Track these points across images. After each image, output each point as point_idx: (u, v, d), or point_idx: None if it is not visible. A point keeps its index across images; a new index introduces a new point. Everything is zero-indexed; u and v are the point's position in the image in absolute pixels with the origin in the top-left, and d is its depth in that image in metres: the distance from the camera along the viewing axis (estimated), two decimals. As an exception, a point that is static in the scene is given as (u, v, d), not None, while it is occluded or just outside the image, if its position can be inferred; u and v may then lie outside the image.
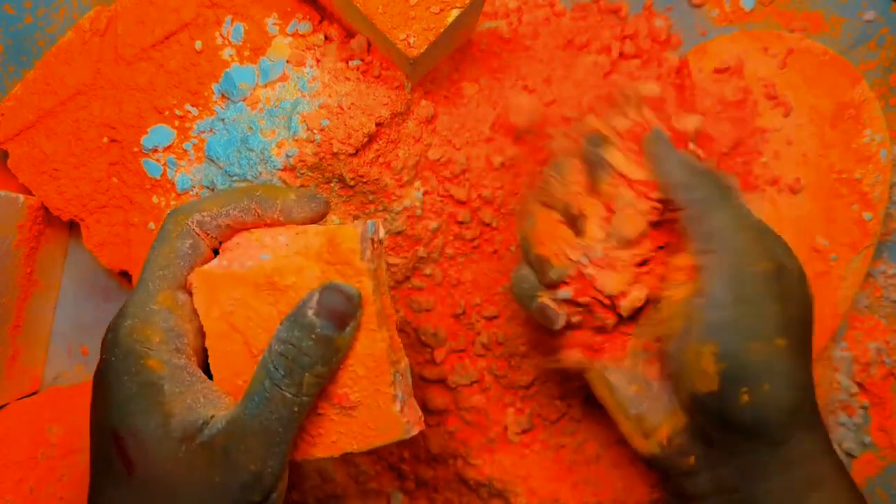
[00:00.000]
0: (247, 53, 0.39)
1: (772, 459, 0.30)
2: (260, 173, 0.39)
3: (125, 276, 0.42)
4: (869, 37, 0.43)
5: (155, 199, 0.41)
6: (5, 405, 0.42)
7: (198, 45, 0.39)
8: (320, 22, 0.40)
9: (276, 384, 0.28)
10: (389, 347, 0.30)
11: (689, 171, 0.32)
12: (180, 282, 0.30)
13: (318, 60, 0.39)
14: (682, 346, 0.31)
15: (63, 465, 0.40)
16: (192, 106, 0.40)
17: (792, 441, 0.30)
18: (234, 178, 0.39)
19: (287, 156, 0.38)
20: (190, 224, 0.31)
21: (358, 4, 0.35)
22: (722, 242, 0.31)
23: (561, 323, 0.34)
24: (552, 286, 0.34)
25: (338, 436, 0.30)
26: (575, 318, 0.34)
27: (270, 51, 0.39)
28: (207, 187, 0.40)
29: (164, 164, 0.40)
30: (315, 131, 0.38)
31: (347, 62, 0.39)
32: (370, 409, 0.30)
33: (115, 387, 0.28)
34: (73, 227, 0.45)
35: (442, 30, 0.35)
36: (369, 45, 0.39)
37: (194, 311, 0.30)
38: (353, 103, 0.38)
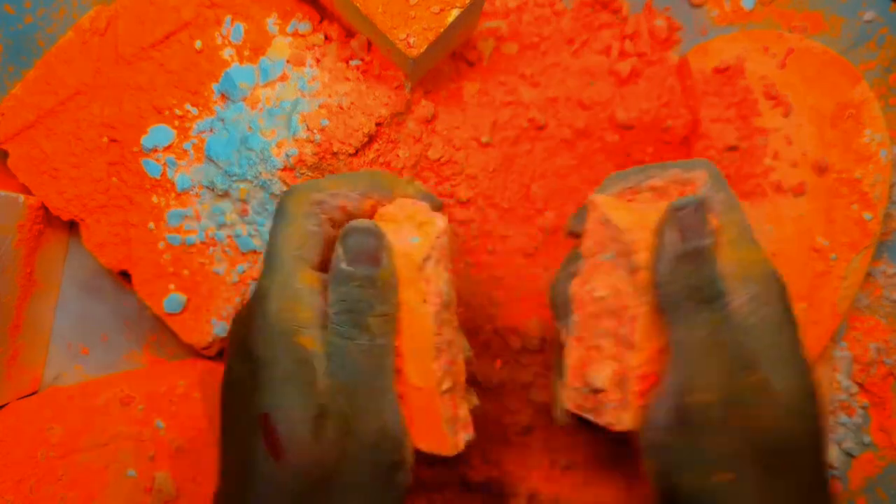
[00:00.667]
0: (247, 53, 0.39)
1: None
2: (260, 173, 0.39)
3: (125, 275, 0.42)
4: (869, 37, 0.43)
5: (155, 199, 0.41)
6: (5, 405, 0.42)
7: (198, 44, 0.39)
8: (320, 22, 0.40)
9: (347, 337, 0.27)
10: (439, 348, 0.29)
11: (669, 265, 0.28)
12: (314, 261, 0.30)
13: (318, 60, 0.39)
14: (641, 452, 0.30)
15: (63, 465, 0.40)
16: (192, 106, 0.40)
17: None
18: (234, 178, 0.39)
19: (287, 155, 0.38)
20: (311, 204, 0.30)
21: (358, 4, 0.35)
22: (676, 358, 0.28)
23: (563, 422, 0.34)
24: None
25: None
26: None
27: (270, 51, 0.39)
28: (207, 187, 0.40)
29: (164, 164, 0.40)
30: (315, 131, 0.38)
31: (347, 62, 0.39)
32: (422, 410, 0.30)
33: (267, 368, 0.27)
34: (73, 227, 0.45)
35: (442, 30, 0.35)
36: (369, 45, 0.39)
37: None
38: (353, 103, 0.38)
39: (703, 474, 0.27)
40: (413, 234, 0.30)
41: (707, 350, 0.27)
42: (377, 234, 0.28)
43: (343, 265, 0.28)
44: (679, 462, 0.28)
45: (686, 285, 0.28)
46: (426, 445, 0.30)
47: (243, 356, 0.28)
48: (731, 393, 0.27)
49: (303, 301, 0.28)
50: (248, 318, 0.29)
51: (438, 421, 0.29)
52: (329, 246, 0.30)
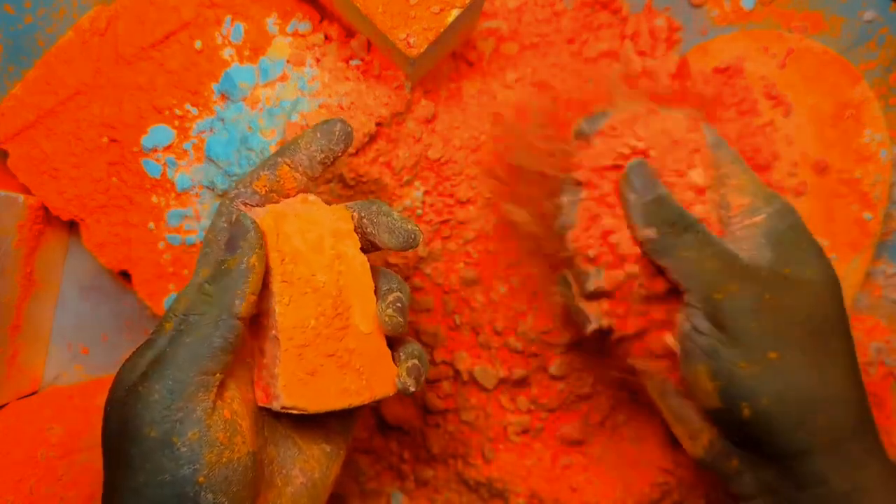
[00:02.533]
0: (247, 53, 0.39)
1: (803, 469, 0.30)
2: (260, 173, 0.39)
3: (125, 275, 0.42)
4: (869, 37, 0.43)
5: (155, 199, 0.41)
6: (5, 405, 0.42)
7: (198, 44, 0.39)
8: (320, 22, 0.40)
9: (180, 308, 0.29)
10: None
11: (642, 216, 0.32)
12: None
13: (318, 60, 0.39)
14: (686, 367, 0.32)
15: (63, 465, 0.40)
16: (192, 106, 0.40)
17: (820, 452, 0.30)
18: (234, 178, 0.39)
19: (287, 156, 0.38)
20: (228, 202, 0.32)
21: (358, 4, 0.35)
22: (688, 280, 0.32)
23: (593, 326, 0.34)
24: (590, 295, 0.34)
25: (337, 388, 0.31)
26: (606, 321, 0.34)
27: (270, 50, 0.39)
28: (207, 187, 0.40)
29: (164, 164, 0.40)
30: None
31: (347, 62, 0.39)
32: (367, 359, 0.31)
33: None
34: (73, 227, 0.45)
35: (442, 30, 0.35)
36: (369, 44, 0.39)
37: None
38: (353, 103, 0.38)
39: (756, 357, 0.30)
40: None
41: (710, 256, 0.31)
42: (246, 228, 0.30)
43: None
44: (732, 355, 0.30)
45: (661, 224, 0.32)
46: (380, 391, 0.31)
47: None
48: (756, 283, 0.31)
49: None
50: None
51: (389, 358, 0.32)
52: None
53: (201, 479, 0.27)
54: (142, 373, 0.28)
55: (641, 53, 0.42)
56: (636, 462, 0.44)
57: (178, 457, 0.27)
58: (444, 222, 0.42)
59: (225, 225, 0.32)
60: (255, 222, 0.30)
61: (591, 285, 0.33)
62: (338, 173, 0.39)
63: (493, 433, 0.44)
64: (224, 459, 0.28)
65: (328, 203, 0.33)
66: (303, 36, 0.40)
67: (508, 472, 0.43)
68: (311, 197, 0.33)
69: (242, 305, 0.29)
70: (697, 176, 0.33)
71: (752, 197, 0.33)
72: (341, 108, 0.38)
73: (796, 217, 0.33)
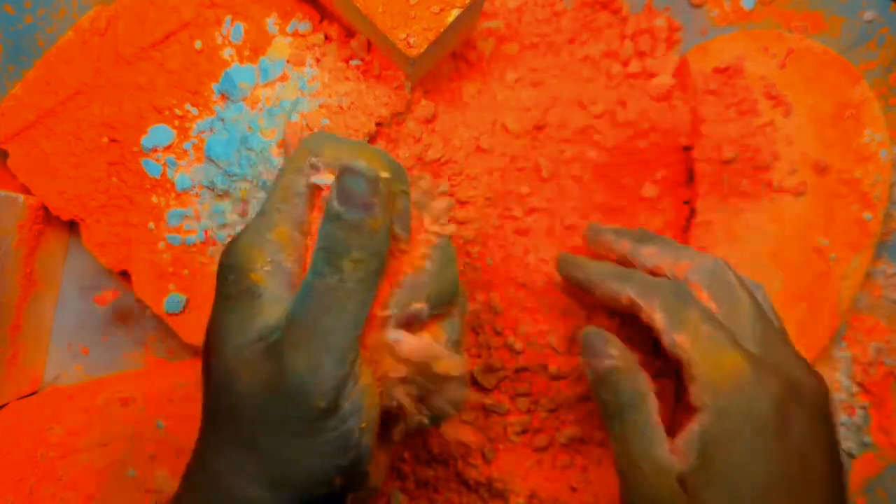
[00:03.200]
0: (247, 53, 0.39)
1: None
2: (260, 173, 0.39)
3: (125, 275, 0.42)
4: (869, 37, 0.43)
5: (155, 199, 0.41)
6: (5, 405, 0.42)
7: (198, 44, 0.39)
8: (320, 22, 0.40)
9: (318, 273, 0.27)
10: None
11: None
12: (298, 220, 0.30)
13: (318, 60, 0.39)
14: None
15: (63, 465, 0.40)
16: (192, 106, 0.40)
17: None
18: (234, 178, 0.39)
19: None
20: (306, 162, 0.30)
21: (358, 4, 0.35)
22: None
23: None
24: None
25: None
26: None
27: (270, 50, 0.39)
28: (207, 187, 0.40)
29: (164, 164, 0.40)
30: (315, 131, 0.38)
31: (347, 62, 0.39)
32: None
33: (219, 295, 0.29)
34: (73, 227, 0.45)
35: (442, 30, 0.35)
36: (369, 44, 0.39)
37: (303, 257, 0.30)
38: (352, 103, 0.38)
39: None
40: None
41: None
42: (373, 180, 0.28)
43: (335, 203, 0.27)
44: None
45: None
46: None
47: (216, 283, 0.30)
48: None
49: (265, 249, 0.29)
50: (225, 249, 0.30)
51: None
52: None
53: (363, 424, 0.28)
54: (288, 341, 0.27)
55: (641, 53, 0.42)
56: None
57: (343, 414, 0.27)
58: (444, 222, 0.42)
59: (304, 189, 0.30)
60: (379, 175, 0.28)
61: None
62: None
63: (494, 433, 0.44)
64: (376, 400, 0.28)
65: None
66: (303, 36, 0.40)
67: (508, 472, 0.43)
68: None
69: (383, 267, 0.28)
70: None
71: None
72: (341, 108, 0.38)
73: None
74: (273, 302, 0.28)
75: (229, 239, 0.31)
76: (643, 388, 0.32)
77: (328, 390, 0.27)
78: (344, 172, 0.28)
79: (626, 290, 0.34)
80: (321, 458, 0.28)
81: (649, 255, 0.35)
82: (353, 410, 0.28)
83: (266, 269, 0.29)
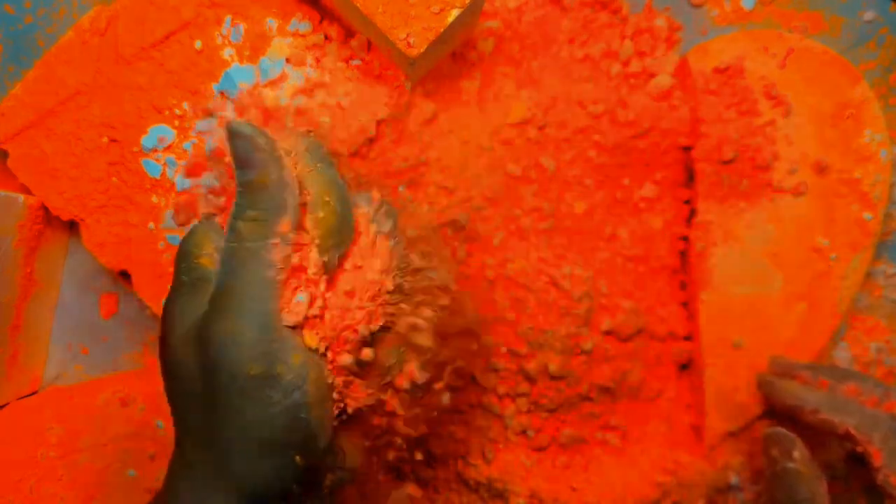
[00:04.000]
0: (247, 53, 0.39)
1: None
2: (260, 173, 0.39)
3: (125, 275, 0.42)
4: (869, 37, 0.43)
5: (155, 199, 0.41)
6: (5, 405, 0.42)
7: (198, 44, 0.39)
8: (320, 22, 0.40)
9: (225, 240, 0.27)
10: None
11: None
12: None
13: (318, 60, 0.39)
14: None
15: (63, 465, 0.40)
16: (192, 106, 0.40)
17: None
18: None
19: (287, 156, 0.38)
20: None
21: (358, 4, 0.35)
22: None
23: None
24: None
25: None
26: None
27: (270, 50, 0.39)
28: (207, 187, 0.40)
29: (164, 164, 0.40)
30: (315, 131, 0.38)
31: (347, 62, 0.39)
32: None
33: (173, 281, 0.30)
34: (73, 227, 0.45)
35: (442, 30, 0.35)
36: (369, 45, 0.39)
37: None
38: (352, 103, 0.38)
39: None
40: None
41: None
42: (249, 136, 0.27)
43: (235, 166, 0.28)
44: None
45: None
46: None
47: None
48: None
49: (210, 235, 0.30)
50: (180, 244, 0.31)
51: None
52: None
53: (309, 399, 0.27)
54: (206, 314, 0.27)
55: (641, 53, 0.42)
56: (636, 462, 0.44)
57: (285, 386, 0.26)
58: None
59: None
60: (254, 126, 0.28)
61: None
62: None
63: (494, 433, 0.44)
64: (321, 372, 0.28)
65: None
66: (303, 36, 0.40)
67: (508, 472, 0.43)
68: None
69: (293, 219, 0.27)
70: None
71: None
72: (341, 107, 0.38)
73: None
74: (211, 279, 0.28)
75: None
76: (820, 494, 0.35)
77: (257, 356, 0.26)
78: (228, 137, 0.27)
79: (845, 423, 0.36)
80: (271, 432, 0.27)
81: (852, 391, 0.38)
82: (298, 383, 0.27)
83: (213, 253, 0.29)
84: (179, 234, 0.41)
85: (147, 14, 0.39)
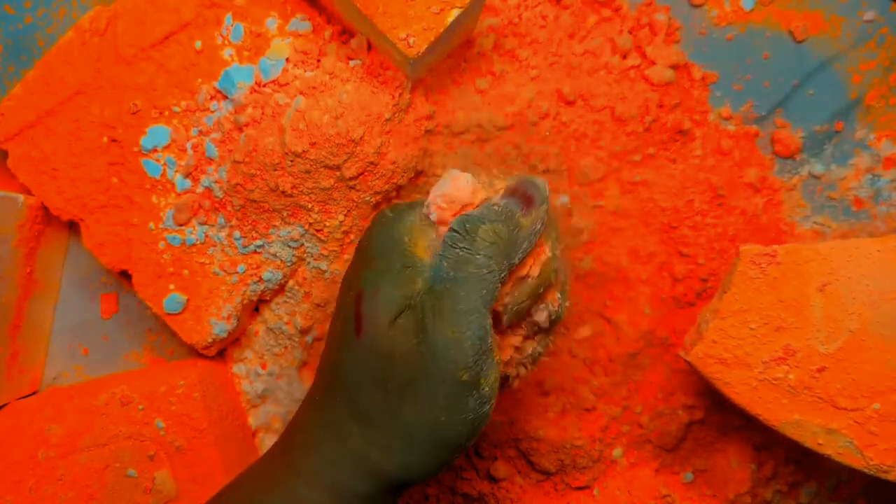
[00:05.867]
0: (247, 53, 0.39)
1: None
2: (260, 173, 0.39)
3: (125, 275, 0.42)
4: (869, 37, 0.43)
5: (154, 199, 0.41)
6: (5, 405, 0.42)
7: (198, 44, 0.39)
8: (320, 22, 0.40)
9: (453, 245, 0.29)
10: None
11: None
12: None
13: (318, 60, 0.39)
14: None
15: (63, 465, 0.40)
16: (192, 106, 0.40)
17: None
18: (234, 178, 0.39)
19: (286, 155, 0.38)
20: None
21: (358, 4, 0.35)
22: None
23: None
24: None
25: None
26: None
27: (270, 50, 0.39)
28: (207, 187, 0.40)
29: (164, 164, 0.40)
30: (315, 131, 0.38)
31: (347, 62, 0.39)
32: None
33: (378, 260, 0.31)
34: (73, 227, 0.45)
35: (442, 30, 0.35)
36: (369, 45, 0.39)
37: None
38: (352, 103, 0.38)
39: None
40: None
41: None
42: (543, 190, 0.31)
43: (495, 198, 0.31)
44: None
45: None
46: None
47: (363, 249, 0.32)
48: None
49: (419, 225, 0.31)
50: (382, 223, 0.32)
51: None
52: None
53: (491, 412, 0.30)
54: (431, 309, 0.28)
55: (640, 47, 0.42)
56: (630, 488, 0.44)
57: (481, 397, 0.29)
58: (444, 222, 0.42)
59: None
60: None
61: None
62: (338, 173, 0.39)
63: (489, 448, 0.44)
64: (501, 388, 0.30)
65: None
66: (303, 36, 0.40)
67: (502, 486, 0.43)
68: None
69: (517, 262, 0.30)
70: None
71: None
72: (341, 107, 0.38)
73: None
74: (425, 275, 0.30)
75: (387, 208, 0.33)
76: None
77: (471, 364, 0.28)
78: (523, 179, 0.31)
79: None
80: (457, 437, 0.29)
81: None
82: (491, 396, 0.29)
83: (428, 247, 0.30)
84: (180, 234, 0.41)
85: (147, 14, 0.39)
